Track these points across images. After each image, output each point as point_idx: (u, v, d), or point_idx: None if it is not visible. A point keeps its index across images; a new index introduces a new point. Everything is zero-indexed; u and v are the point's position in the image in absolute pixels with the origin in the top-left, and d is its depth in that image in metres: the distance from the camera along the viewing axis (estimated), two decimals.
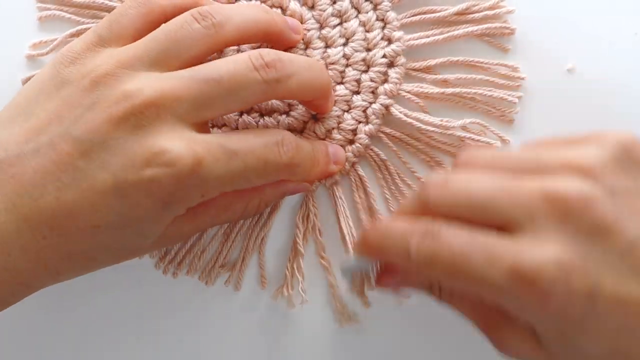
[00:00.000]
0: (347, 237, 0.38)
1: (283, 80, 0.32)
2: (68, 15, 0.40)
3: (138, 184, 0.29)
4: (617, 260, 0.28)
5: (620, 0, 0.39)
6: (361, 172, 0.38)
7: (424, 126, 0.38)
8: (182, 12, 0.33)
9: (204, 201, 0.33)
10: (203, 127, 0.32)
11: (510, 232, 0.28)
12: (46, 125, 0.31)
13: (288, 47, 0.38)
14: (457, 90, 0.38)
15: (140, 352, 0.40)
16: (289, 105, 0.38)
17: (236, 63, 0.31)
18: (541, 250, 0.27)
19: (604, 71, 0.38)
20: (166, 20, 0.34)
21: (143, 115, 0.30)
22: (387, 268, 0.33)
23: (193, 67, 0.31)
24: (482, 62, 0.39)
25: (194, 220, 0.34)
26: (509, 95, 0.38)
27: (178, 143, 0.30)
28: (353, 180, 0.38)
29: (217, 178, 0.30)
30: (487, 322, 0.32)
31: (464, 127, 0.38)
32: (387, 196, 0.38)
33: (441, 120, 0.38)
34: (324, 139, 0.38)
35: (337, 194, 0.38)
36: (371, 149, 0.38)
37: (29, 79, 0.39)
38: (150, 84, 0.30)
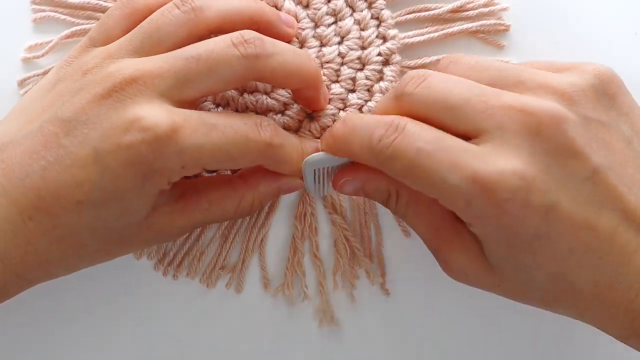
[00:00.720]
0: (339, 240, 0.38)
1: (263, 57, 0.32)
2: (63, 17, 0.40)
3: (117, 153, 0.30)
4: (578, 184, 0.29)
5: (620, 0, 0.39)
6: None
7: None
8: None
9: (195, 192, 0.33)
10: (186, 107, 0.32)
11: (478, 140, 0.29)
12: (39, 115, 0.32)
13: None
14: None
15: (141, 355, 0.39)
16: (285, 104, 0.38)
17: (216, 41, 0.32)
18: (505, 161, 0.28)
19: None
20: None
21: (124, 91, 0.30)
22: (348, 170, 0.33)
23: (174, 50, 0.32)
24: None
25: (185, 213, 0.33)
26: None
27: (157, 111, 0.30)
28: None
29: (197, 147, 0.30)
30: (438, 239, 0.32)
31: None
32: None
33: None
34: (319, 138, 0.38)
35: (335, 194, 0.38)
36: None
37: (24, 80, 0.40)
38: (131, 64, 0.31)
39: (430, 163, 0.29)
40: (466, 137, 0.29)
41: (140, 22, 0.34)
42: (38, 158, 0.31)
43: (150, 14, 0.34)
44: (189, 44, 0.33)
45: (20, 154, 0.31)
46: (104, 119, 0.30)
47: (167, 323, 0.39)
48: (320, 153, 0.33)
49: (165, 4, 0.34)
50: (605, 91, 0.30)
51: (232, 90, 0.38)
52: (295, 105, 0.38)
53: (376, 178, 0.32)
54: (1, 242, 0.31)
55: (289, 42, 0.38)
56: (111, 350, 0.39)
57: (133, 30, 0.33)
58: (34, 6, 0.40)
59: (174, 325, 0.39)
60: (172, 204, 0.33)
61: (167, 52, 0.32)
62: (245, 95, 0.38)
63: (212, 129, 0.31)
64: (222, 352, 0.39)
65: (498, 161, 0.28)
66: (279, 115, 0.38)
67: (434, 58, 0.38)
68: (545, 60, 0.33)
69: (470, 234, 0.31)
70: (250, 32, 0.32)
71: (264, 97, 0.38)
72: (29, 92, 0.35)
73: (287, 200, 0.39)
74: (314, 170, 0.34)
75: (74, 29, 0.39)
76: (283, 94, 0.38)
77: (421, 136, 0.29)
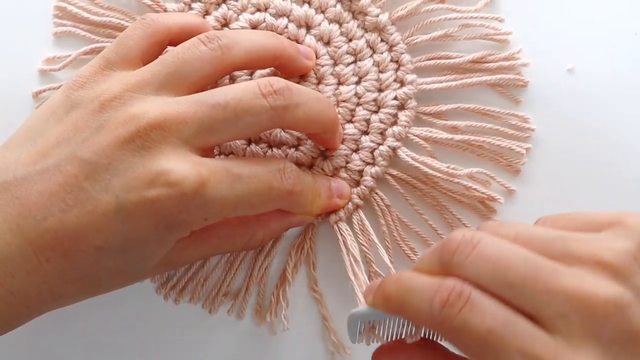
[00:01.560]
0: (351, 272, 0.38)
1: (290, 109, 0.32)
2: (83, 33, 0.40)
3: (141, 205, 0.29)
4: None
5: (620, 0, 0.39)
6: (363, 216, 0.38)
7: (430, 171, 0.38)
8: (188, 32, 0.34)
9: (207, 228, 0.33)
10: (208, 152, 0.32)
11: (541, 325, 0.27)
12: (54, 147, 0.31)
13: (300, 75, 0.38)
14: (466, 137, 0.38)
15: None
16: (298, 139, 0.38)
17: (244, 89, 0.32)
18: (579, 356, 0.26)
19: (604, 71, 0.38)
20: (172, 41, 0.34)
21: (148, 137, 0.30)
22: (394, 347, 0.31)
23: (200, 92, 0.32)
24: (493, 111, 0.39)
25: (196, 248, 0.34)
26: (517, 146, 0.38)
27: (182, 164, 0.30)
28: (356, 223, 0.38)
29: (221, 200, 0.30)
30: None
31: (470, 176, 0.38)
32: (388, 244, 0.38)
33: (448, 167, 0.38)
34: (331, 177, 0.38)
35: (342, 229, 0.38)
36: (376, 193, 0.38)
37: (39, 92, 0.40)
38: (156, 107, 0.31)
39: (502, 347, 0.26)
40: (525, 314, 0.28)
41: (160, 44, 0.34)
42: (57, 200, 0.30)
43: (169, 39, 0.34)
44: (214, 80, 0.33)
45: (36, 194, 0.30)
46: (128, 167, 0.30)
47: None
48: (367, 307, 0.31)
49: (185, 28, 0.34)
50: None
51: None
52: (309, 142, 0.38)
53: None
54: (17, 279, 0.30)
55: (307, 75, 0.38)
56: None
57: (155, 62, 0.33)
58: (56, 20, 0.40)
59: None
60: (184, 241, 0.33)
61: (192, 89, 0.32)
62: None
63: (236, 180, 0.31)
64: None
65: (572, 355, 0.26)
66: (293, 150, 0.38)
67: (451, 106, 0.38)
68: (579, 214, 0.31)
69: None
70: (279, 82, 0.32)
71: (278, 130, 0.38)
72: (35, 113, 0.34)
73: (295, 232, 0.39)
74: (360, 321, 0.31)
75: (93, 45, 0.40)
76: None
77: (490, 312, 0.27)
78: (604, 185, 0.38)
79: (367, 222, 0.38)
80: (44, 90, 0.40)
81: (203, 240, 0.34)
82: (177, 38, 0.34)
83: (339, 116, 0.38)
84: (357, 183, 0.38)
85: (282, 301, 0.39)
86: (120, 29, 0.39)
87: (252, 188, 0.31)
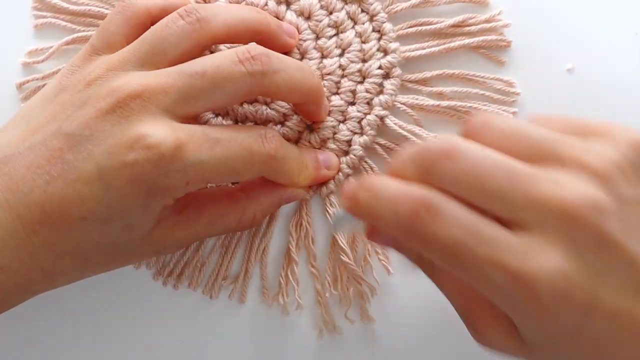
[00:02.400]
0: (341, 244, 0.38)
1: (269, 75, 0.32)
2: (64, 24, 0.40)
3: (121, 170, 0.30)
4: (617, 275, 0.27)
5: (620, 0, 0.39)
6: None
7: (417, 140, 0.38)
8: (169, 12, 0.34)
9: (197, 206, 0.33)
10: (190, 122, 0.32)
11: (515, 229, 0.27)
12: (42, 126, 0.32)
13: (283, 52, 0.38)
14: (453, 103, 0.38)
15: None
16: (284, 115, 0.38)
17: (222, 57, 0.32)
18: (547, 258, 0.27)
19: (604, 71, 0.38)
20: (154, 21, 0.34)
21: (128, 107, 0.30)
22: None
23: (180, 64, 0.32)
24: (478, 76, 0.39)
25: (186, 227, 0.33)
26: (504, 110, 0.38)
27: (160, 129, 0.30)
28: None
29: (201, 164, 0.30)
30: (471, 310, 0.31)
31: None
32: None
33: (435, 137, 0.38)
34: (319, 149, 0.38)
35: (333, 202, 0.38)
36: (365, 161, 0.38)
37: (23, 84, 0.40)
38: (136, 79, 0.31)
39: (468, 256, 0.27)
40: (502, 221, 0.28)
41: (142, 26, 0.34)
42: (42, 173, 0.30)
43: (151, 18, 0.34)
44: (194, 55, 0.32)
45: (24, 168, 0.31)
46: (108, 135, 0.30)
47: (168, 331, 0.39)
48: (344, 212, 0.30)
49: (166, 7, 0.34)
50: None
51: None
52: (295, 116, 0.38)
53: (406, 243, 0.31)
54: (5, 255, 0.30)
55: (290, 52, 0.38)
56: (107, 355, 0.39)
57: (136, 41, 0.33)
58: (36, 12, 0.40)
59: (175, 333, 0.39)
60: (173, 218, 0.33)
61: (171, 63, 0.32)
62: (245, 105, 0.38)
63: (215, 144, 0.31)
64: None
65: (540, 258, 0.27)
66: (279, 126, 0.38)
67: (435, 73, 0.38)
68: (573, 118, 0.31)
69: (506, 314, 0.30)
70: (257, 48, 0.32)
71: (264, 107, 0.38)
72: (30, 100, 0.34)
73: (288, 210, 0.39)
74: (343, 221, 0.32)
75: (74, 35, 0.39)
76: (283, 105, 0.38)
77: (458, 223, 0.27)
78: None
79: None
80: (28, 81, 0.40)
81: (194, 220, 0.33)
82: (159, 17, 0.34)
83: (325, 89, 0.38)
84: (346, 153, 0.38)
85: (292, 281, 0.38)
86: (101, 16, 0.39)
87: (232, 152, 0.31)
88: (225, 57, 0.32)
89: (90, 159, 0.30)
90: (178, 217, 0.33)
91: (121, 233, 0.31)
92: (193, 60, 0.32)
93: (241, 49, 0.32)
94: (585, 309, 0.27)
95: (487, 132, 0.29)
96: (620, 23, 0.39)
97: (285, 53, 0.38)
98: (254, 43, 0.33)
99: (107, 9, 0.39)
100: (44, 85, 0.39)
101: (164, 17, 0.34)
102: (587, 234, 0.27)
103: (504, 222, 0.28)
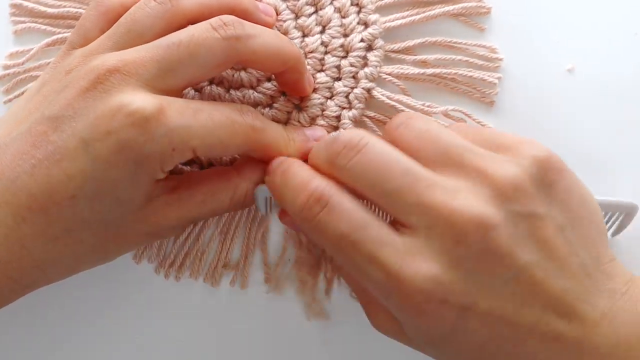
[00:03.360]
0: None
1: (243, 39, 0.32)
2: (43, 27, 0.40)
3: (105, 140, 0.30)
4: (501, 285, 0.29)
5: (620, 0, 0.39)
6: None
7: (406, 109, 0.38)
8: None
9: (188, 184, 0.33)
10: (171, 95, 0.32)
11: (404, 231, 0.29)
12: (26, 117, 0.32)
13: None
14: (437, 70, 0.38)
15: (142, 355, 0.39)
16: (271, 97, 0.38)
17: (197, 27, 0.32)
18: (424, 264, 0.28)
19: (604, 71, 0.38)
20: None
21: (108, 81, 0.30)
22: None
23: (155, 40, 0.32)
24: (460, 43, 0.39)
25: (179, 206, 0.33)
26: (488, 76, 0.38)
27: (142, 96, 0.30)
28: None
29: (184, 128, 0.30)
30: (365, 298, 0.33)
31: (445, 114, 0.38)
32: None
33: (423, 105, 0.38)
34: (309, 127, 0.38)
35: None
36: None
37: (3, 76, 0.40)
38: (115, 56, 0.31)
39: (351, 250, 0.29)
40: (393, 222, 0.30)
41: (117, 19, 0.34)
42: (28, 158, 0.30)
43: (126, 11, 0.34)
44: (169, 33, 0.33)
45: (10, 156, 0.31)
46: (91, 110, 0.30)
47: (170, 323, 0.39)
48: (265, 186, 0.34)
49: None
50: (543, 179, 0.30)
51: (219, 87, 0.38)
52: (282, 98, 0.38)
53: None
54: None
55: None
56: (112, 351, 0.39)
57: (111, 28, 0.33)
58: (14, 18, 0.40)
59: (177, 324, 0.39)
60: (166, 196, 0.33)
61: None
62: (232, 91, 0.38)
63: (198, 111, 0.31)
64: (229, 346, 0.39)
65: (417, 262, 0.28)
66: (267, 109, 0.38)
67: (417, 41, 0.38)
68: (487, 130, 0.33)
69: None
70: (229, 16, 0.32)
71: (251, 91, 0.38)
72: (17, 99, 0.35)
73: None
74: (266, 197, 0.34)
75: (54, 37, 0.39)
76: (269, 87, 0.38)
77: (345, 218, 0.29)
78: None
79: None
80: (7, 75, 0.40)
81: (186, 198, 0.33)
82: None
83: (309, 67, 0.38)
84: (336, 128, 0.38)
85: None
86: (78, 17, 0.39)
87: (215, 120, 0.31)
88: (200, 26, 0.32)
89: (74, 135, 0.30)
90: (170, 196, 0.33)
91: (112, 209, 0.31)
92: (167, 35, 0.32)
93: (214, 18, 0.32)
94: (459, 312, 0.28)
95: (404, 131, 0.31)
96: (620, 23, 0.39)
97: None
98: (226, 14, 0.33)
99: (84, 9, 0.39)
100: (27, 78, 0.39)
101: None
102: (469, 245, 0.28)
103: (396, 223, 0.29)
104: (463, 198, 0.29)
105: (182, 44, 0.31)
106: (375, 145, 0.30)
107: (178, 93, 0.32)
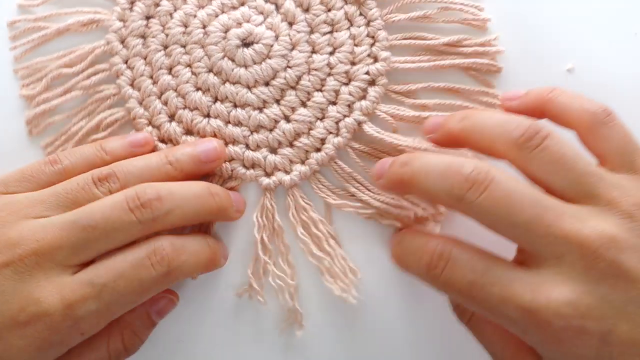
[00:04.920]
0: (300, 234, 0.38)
1: (160, 219, 0.33)
2: None
3: (12, 328, 0.31)
4: (636, 307, 0.28)
5: (620, 0, 0.39)
6: (323, 179, 0.38)
7: (395, 141, 0.37)
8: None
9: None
10: (82, 266, 0.33)
11: (531, 264, 0.29)
12: None
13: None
14: (433, 114, 0.37)
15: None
16: (264, 102, 0.38)
17: (112, 206, 0.33)
18: (558, 292, 0.28)
19: (604, 71, 0.38)
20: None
21: (23, 263, 0.32)
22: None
23: (74, 211, 0.33)
24: (463, 89, 0.38)
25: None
26: None
27: (49, 291, 0.31)
28: (314, 187, 0.38)
29: (91, 314, 0.32)
30: (509, 350, 0.32)
31: None
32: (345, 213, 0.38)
33: (414, 140, 0.37)
34: (292, 141, 0.38)
35: (297, 195, 0.38)
36: (335, 162, 0.38)
37: (14, 22, 0.39)
38: (31, 235, 0.32)
39: (483, 295, 0.29)
40: (522, 253, 0.30)
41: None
42: None
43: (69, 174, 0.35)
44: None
45: None
46: (2, 291, 0.31)
47: (170, 323, 0.39)
48: None
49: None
50: None
51: (214, 77, 0.38)
52: (275, 106, 0.38)
53: None
54: None
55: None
56: None
57: (77, 211, 0.33)
58: None
59: (177, 324, 0.39)
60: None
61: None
62: (227, 85, 0.38)
63: (102, 290, 0.32)
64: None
65: (549, 291, 0.28)
66: (257, 112, 0.38)
67: (421, 86, 0.38)
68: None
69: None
70: (145, 192, 0.33)
71: (245, 90, 0.38)
72: None
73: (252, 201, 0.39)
74: None
75: None
76: (264, 92, 0.38)
77: (469, 266, 0.30)
78: None
79: (325, 181, 0.38)
80: (20, 21, 0.40)
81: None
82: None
83: (309, 84, 0.38)
84: (318, 150, 0.38)
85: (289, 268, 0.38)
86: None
87: (121, 291, 0.32)
88: (116, 206, 0.33)
89: None
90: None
91: None
92: (84, 208, 0.33)
93: (131, 194, 0.33)
94: (600, 339, 0.28)
95: (538, 153, 0.30)
96: (620, 23, 0.39)
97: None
98: (146, 185, 0.33)
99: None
100: (35, 28, 0.39)
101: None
102: (602, 268, 0.28)
103: (521, 260, 0.30)
104: (593, 224, 0.29)
105: (99, 227, 0.32)
106: (501, 180, 0.30)
107: (91, 260, 0.33)
